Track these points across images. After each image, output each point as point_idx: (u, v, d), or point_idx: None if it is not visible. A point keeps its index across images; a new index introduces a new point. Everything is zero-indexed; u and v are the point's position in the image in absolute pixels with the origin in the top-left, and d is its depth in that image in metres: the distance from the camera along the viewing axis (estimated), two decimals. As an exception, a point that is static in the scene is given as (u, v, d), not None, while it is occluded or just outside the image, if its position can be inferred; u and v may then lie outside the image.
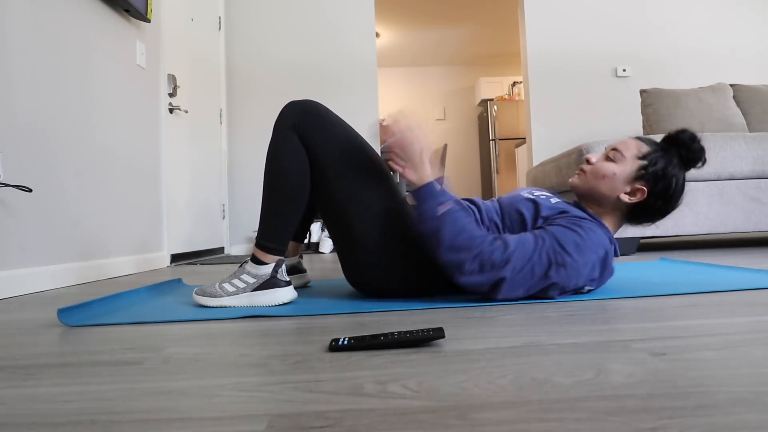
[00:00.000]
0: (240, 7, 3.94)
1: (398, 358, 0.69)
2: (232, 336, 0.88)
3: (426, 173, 1.09)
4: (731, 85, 3.18)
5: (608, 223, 1.20)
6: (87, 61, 2.07)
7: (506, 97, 6.90)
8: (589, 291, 1.16)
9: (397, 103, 7.31)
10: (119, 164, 2.30)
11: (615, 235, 2.10)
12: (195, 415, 0.51)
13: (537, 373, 0.60)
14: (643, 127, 3.14)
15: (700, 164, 1.14)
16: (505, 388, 0.55)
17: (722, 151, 2.46)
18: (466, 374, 0.61)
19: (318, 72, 3.95)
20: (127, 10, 2.35)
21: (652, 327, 0.82)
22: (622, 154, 1.15)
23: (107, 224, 2.18)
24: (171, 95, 2.91)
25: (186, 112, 3.07)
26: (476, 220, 1.11)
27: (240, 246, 3.88)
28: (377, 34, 6.19)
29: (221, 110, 3.82)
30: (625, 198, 1.14)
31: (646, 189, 1.13)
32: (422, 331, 0.76)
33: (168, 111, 2.87)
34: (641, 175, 1.13)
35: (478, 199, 1.24)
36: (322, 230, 3.81)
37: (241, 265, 1.21)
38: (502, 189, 6.48)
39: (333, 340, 0.76)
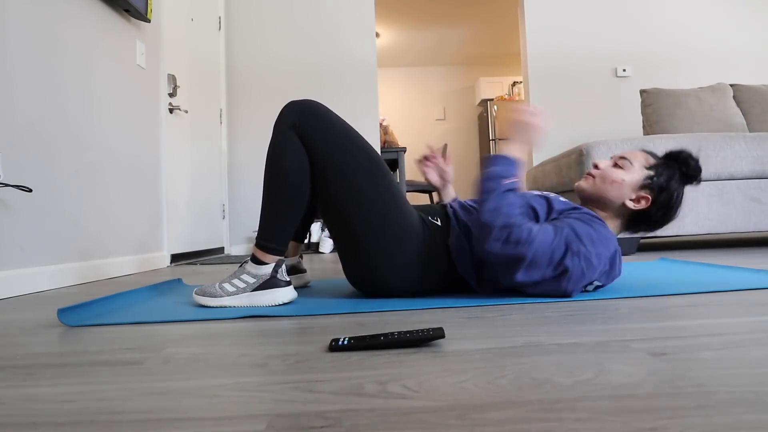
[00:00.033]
0: (240, 7, 3.94)
1: (398, 358, 0.69)
2: (232, 336, 0.88)
3: (518, 153, 1.13)
4: (731, 85, 3.18)
5: (611, 227, 1.23)
6: (87, 61, 2.07)
7: (506, 97, 6.90)
8: (597, 288, 1.17)
9: (397, 103, 7.31)
10: (119, 164, 2.30)
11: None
12: (195, 415, 0.51)
13: (537, 373, 0.60)
14: (643, 127, 3.14)
15: (696, 182, 1.20)
16: (505, 388, 0.55)
17: (722, 151, 2.46)
18: (466, 374, 0.61)
19: (318, 72, 3.95)
20: (127, 10, 2.35)
21: (652, 327, 0.82)
22: (630, 163, 1.20)
23: (107, 224, 2.18)
24: (171, 95, 2.91)
25: (186, 112, 3.07)
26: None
27: (240, 246, 3.88)
28: (377, 34, 6.19)
29: (221, 110, 3.82)
30: (630, 204, 1.18)
31: (650, 198, 1.17)
32: (422, 331, 0.76)
33: (168, 111, 2.87)
34: (647, 184, 1.17)
35: None
36: (322, 230, 3.81)
37: (241, 265, 1.21)
38: (502, 189, 6.47)
39: (333, 340, 0.76)
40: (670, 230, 2.43)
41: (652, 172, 1.18)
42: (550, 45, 4.07)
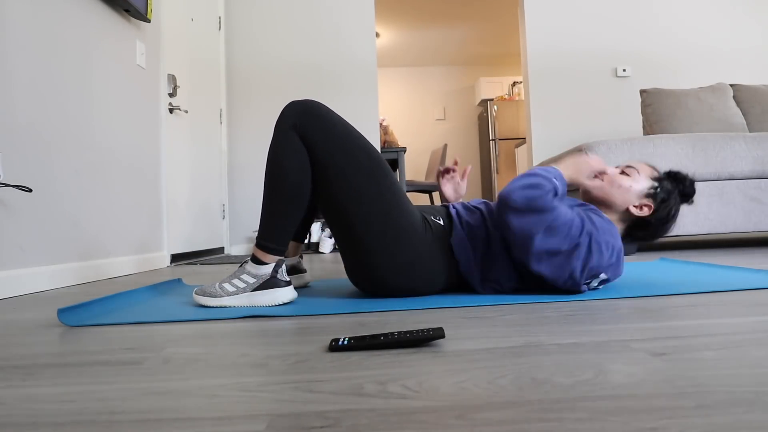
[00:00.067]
0: (240, 7, 3.94)
1: (398, 358, 0.69)
2: (232, 336, 0.88)
3: (566, 172, 1.21)
4: (731, 85, 3.17)
5: None
6: (87, 61, 2.07)
7: (506, 97, 6.90)
8: (603, 283, 1.17)
9: (397, 103, 7.31)
10: (119, 164, 2.30)
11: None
12: (195, 415, 0.51)
13: (537, 373, 0.60)
14: (643, 127, 3.14)
15: (690, 201, 1.28)
16: (505, 388, 0.55)
17: (722, 151, 2.46)
18: (466, 374, 0.61)
19: (318, 72, 3.95)
20: (127, 10, 2.35)
21: (652, 327, 0.82)
22: (637, 172, 1.26)
23: (107, 224, 2.18)
24: (171, 95, 2.91)
25: (186, 112, 3.07)
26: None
27: (240, 246, 3.88)
28: (377, 34, 6.19)
29: (221, 110, 3.82)
30: (634, 210, 1.23)
31: (652, 206, 1.23)
32: (422, 331, 0.76)
33: (168, 111, 2.87)
34: (651, 194, 1.23)
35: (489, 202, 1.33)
36: (322, 230, 3.81)
37: (241, 265, 1.21)
38: (502, 189, 6.47)
39: (333, 340, 0.76)
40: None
41: (656, 183, 1.24)
42: (550, 45, 4.07)
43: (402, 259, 1.18)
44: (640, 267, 1.75)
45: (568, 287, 1.13)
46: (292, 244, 1.50)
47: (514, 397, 0.52)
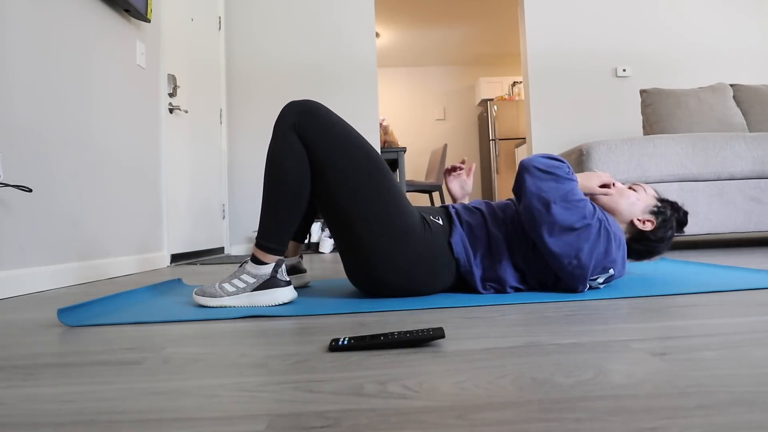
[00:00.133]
0: (240, 7, 3.94)
1: (398, 358, 0.69)
2: (232, 336, 0.88)
3: (581, 182, 1.26)
4: (731, 85, 3.17)
5: None
6: (87, 61, 2.07)
7: (506, 97, 6.90)
8: (608, 280, 1.19)
9: (397, 103, 7.31)
10: (119, 164, 2.30)
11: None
12: (195, 415, 0.51)
13: (537, 373, 0.60)
14: (643, 127, 3.14)
15: (682, 229, 1.34)
16: (505, 388, 0.55)
17: (722, 151, 2.46)
18: (466, 374, 0.61)
19: (318, 72, 3.95)
20: (127, 10, 2.35)
21: (652, 327, 0.82)
22: (644, 190, 1.33)
23: (107, 224, 2.18)
24: (171, 95, 2.91)
25: (186, 112, 3.07)
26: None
27: (240, 246, 3.88)
28: (377, 34, 6.19)
29: (221, 110, 3.82)
30: (637, 223, 1.27)
31: (654, 222, 1.27)
32: (422, 331, 0.76)
33: (168, 111, 2.87)
34: (655, 211, 1.29)
35: (498, 201, 1.35)
36: (322, 230, 3.81)
37: (241, 265, 1.21)
38: (502, 189, 6.48)
39: (333, 340, 0.76)
40: (670, 230, 2.43)
41: (660, 204, 1.31)
42: (550, 45, 4.07)
43: (401, 259, 1.18)
44: (640, 267, 1.75)
45: (573, 271, 1.14)
46: (292, 244, 1.50)
47: (514, 397, 0.52)
